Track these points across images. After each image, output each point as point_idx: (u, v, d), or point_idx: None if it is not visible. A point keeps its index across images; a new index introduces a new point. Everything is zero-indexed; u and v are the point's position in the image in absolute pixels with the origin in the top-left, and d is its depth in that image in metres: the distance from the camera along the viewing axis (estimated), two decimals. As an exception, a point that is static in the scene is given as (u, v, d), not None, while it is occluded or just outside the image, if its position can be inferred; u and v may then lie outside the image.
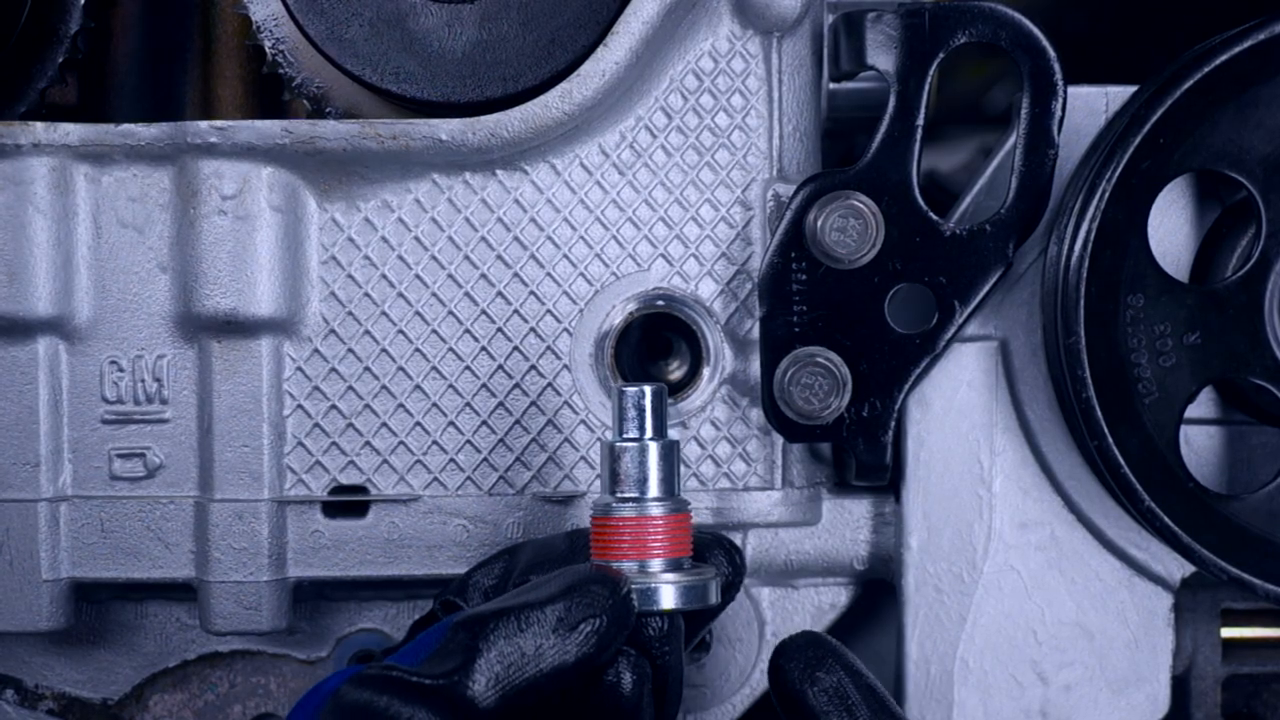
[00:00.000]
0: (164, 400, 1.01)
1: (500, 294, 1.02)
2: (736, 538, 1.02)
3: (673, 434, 0.91)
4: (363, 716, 0.76)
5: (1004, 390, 1.01)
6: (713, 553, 0.92)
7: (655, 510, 0.88)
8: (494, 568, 0.93)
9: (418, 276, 1.01)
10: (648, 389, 0.89)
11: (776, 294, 0.98)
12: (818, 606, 1.07)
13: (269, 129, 0.97)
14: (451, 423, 1.02)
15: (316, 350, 1.01)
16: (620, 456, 0.88)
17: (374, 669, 0.78)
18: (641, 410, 0.89)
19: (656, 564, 0.87)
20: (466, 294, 1.01)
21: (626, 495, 0.88)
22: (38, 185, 0.98)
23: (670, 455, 0.89)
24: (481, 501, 1.02)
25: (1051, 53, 0.95)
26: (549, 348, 1.02)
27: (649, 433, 0.89)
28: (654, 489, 0.88)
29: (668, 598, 0.86)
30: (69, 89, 1.10)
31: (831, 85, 1.02)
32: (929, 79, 0.96)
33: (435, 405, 1.02)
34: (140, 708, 1.09)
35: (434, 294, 1.01)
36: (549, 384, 1.02)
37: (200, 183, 0.98)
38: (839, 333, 0.98)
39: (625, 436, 0.89)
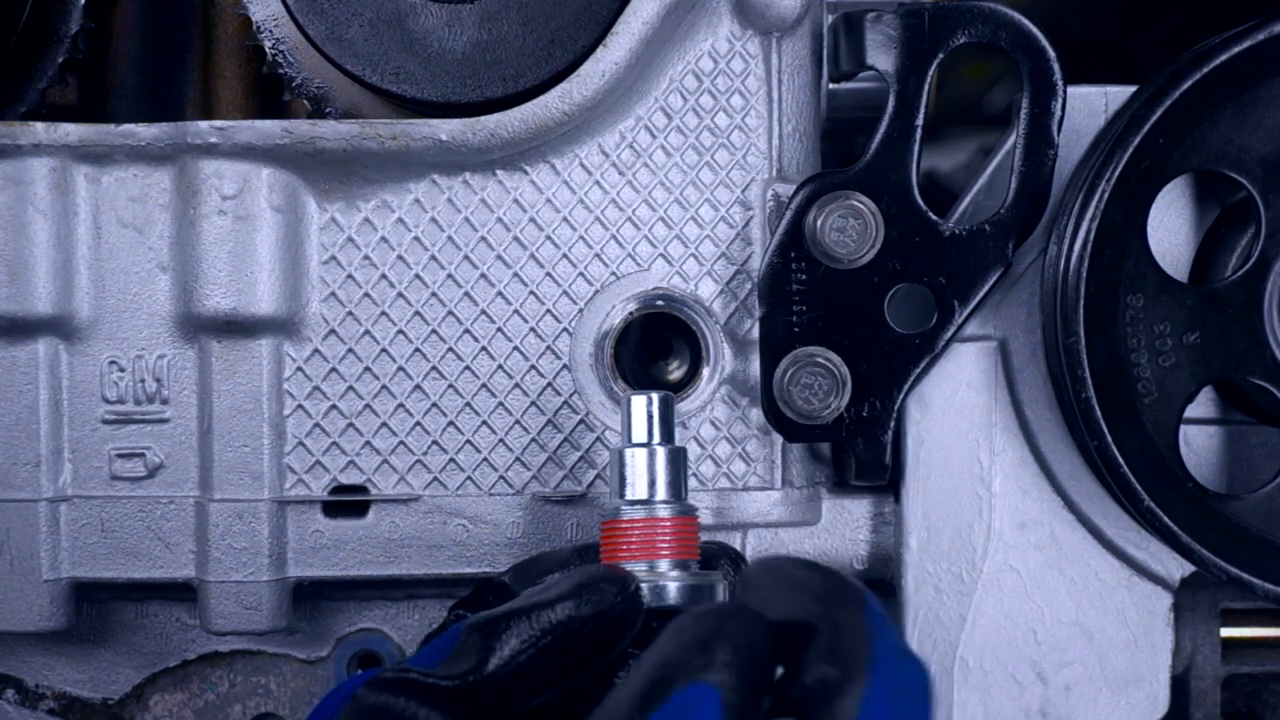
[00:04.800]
0: (164, 400, 1.01)
1: (500, 294, 1.02)
2: (736, 538, 1.02)
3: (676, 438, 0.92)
4: (381, 718, 0.77)
5: (1003, 390, 1.01)
6: (719, 562, 0.94)
7: (663, 512, 0.89)
8: (505, 579, 0.93)
9: (418, 276, 1.01)
10: (655, 396, 0.91)
11: (776, 294, 0.98)
12: (817, 606, 1.07)
13: (269, 129, 0.97)
14: (451, 423, 1.02)
15: (317, 350, 1.01)
16: (628, 462, 0.90)
17: (391, 671, 0.79)
18: (650, 417, 0.91)
19: (664, 564, 0.88)
20: (466, 294, 1.01)
21: (635, 499, 0.90)
22: (38, 185, 0.98)
23: (678, 460, 0.91)
24: (481, 501, 1.02)
25: (1051, 53, 0.95)
26: (549, 348, 1.02)
27: (657, 438, 0.91)
28: (662, 493, 0.90)
29: (675, 595, 0.87)
30: (69, 89, 1.10)
31: (831, 85, 1.02)
32: (929, 79, 0.96)
33: (435, 405, 1.02)
34: (140, 707, 1.09)
35: (434, 294, 1.01)
36: (549, 384, 1.02)
37: (200, 183, 0.98)
38: (839, 333, 0.98)
39: (633, 442, 0.91)
